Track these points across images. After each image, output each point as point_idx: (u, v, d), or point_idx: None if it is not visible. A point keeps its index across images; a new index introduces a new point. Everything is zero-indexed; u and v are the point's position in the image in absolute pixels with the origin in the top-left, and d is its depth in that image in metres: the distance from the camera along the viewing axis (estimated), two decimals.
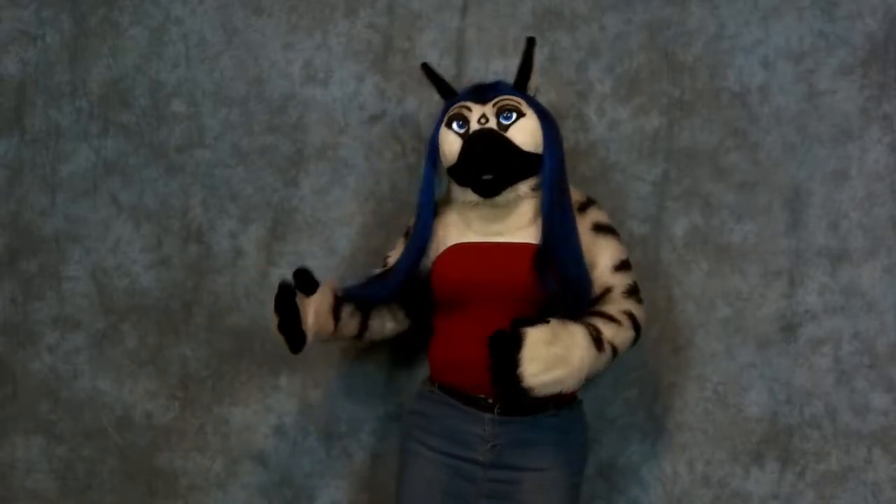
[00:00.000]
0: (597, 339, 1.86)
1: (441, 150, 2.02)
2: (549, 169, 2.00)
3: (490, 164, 1.95)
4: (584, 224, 2.02)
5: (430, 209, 2.06)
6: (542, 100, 2.33)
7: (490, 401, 1.96)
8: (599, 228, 2.04)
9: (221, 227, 2.44)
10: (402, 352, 2.36)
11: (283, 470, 2.42)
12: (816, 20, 2.30)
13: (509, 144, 1.96)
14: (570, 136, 2.34)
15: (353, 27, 2.41)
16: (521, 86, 2.06)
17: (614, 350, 1.91)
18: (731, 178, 2.31)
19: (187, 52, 2.45)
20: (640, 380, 2.33)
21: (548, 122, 2.02)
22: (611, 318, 1.94)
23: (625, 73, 2.34)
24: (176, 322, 2.45)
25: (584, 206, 2.06)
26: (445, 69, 2.35)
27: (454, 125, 2.00)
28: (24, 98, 2.50)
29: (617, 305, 1.98)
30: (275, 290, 1.95)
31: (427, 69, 2.13)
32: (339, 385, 2.40)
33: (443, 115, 2.04)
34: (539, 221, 1.98)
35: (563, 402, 2.00)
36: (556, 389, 1.80)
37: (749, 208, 2.31)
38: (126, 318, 2.47)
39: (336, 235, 2.40)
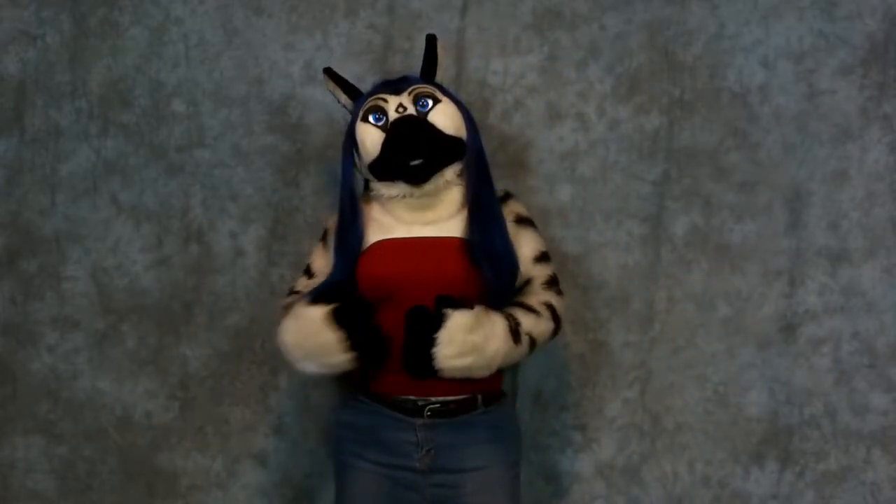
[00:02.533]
0: (515, 332, 1.89)
1: (361, 145, 1.97)
2: (473, 152, 1.98)
3: (417, 149, 1.91)
4: (507, 215, 2.02)
5: (357, 207, 2.01)
6: (541, 100, 2.35)
7: (420, 403, 1.93)
8: (521, 220, 2.04)
9: (222, 227, 2.44)
10: None
11: (283, 470, 2.42)
12: (816, 20, 2.30)
13: (432, 128, 1.93)
14: (569, 135, 2.35)
15: (354, 27, 2.41)
16: (430, 78, 2.05)
17: (532, 342, 1.92)
18: (731, 178, 2.31)
19: (187, 52, 2.45)
20: (640, 380, 2.33)
21: (463, 108, 2.01)
22: (531, 310, 1.94)
23: (625, 72, 2.34)
24: (176, 322, 2.45)
25: (505, 199, 2.06)
26: (445, 69, 2.35)
27: (371, 118, 1.96)
28: (23, 98, 2.50)
29: (537, 297, 1.98)
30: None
31: (330, 72, 2.12)
32: (339, 385, 2.39)
33: (357, 111, 2.00)
34: (465, 212, 1.97)
35: (491, 399, 1.98)
36: (463, 375, 1.85)
37: (749, 208, 2.31)
38: (126, 318, 2.47)
39: None
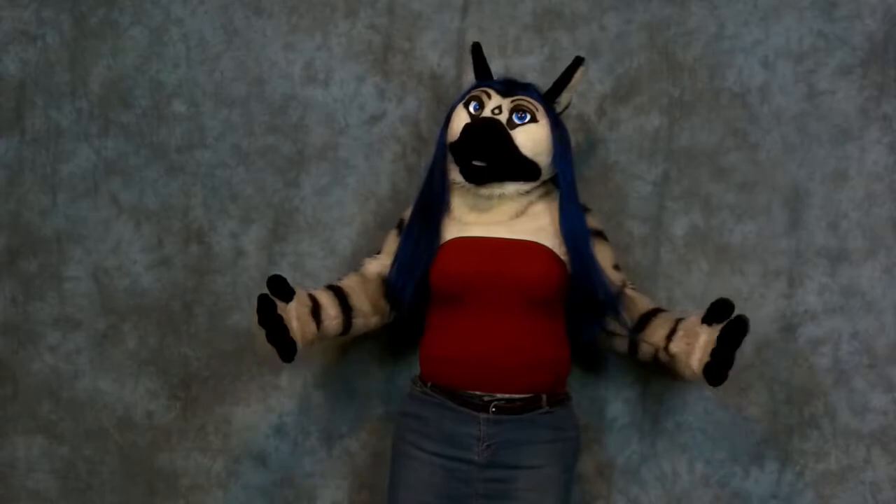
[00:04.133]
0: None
1: (451, 124, 2.05)
2: (564, 182, 2.04)
3: (483, 152, 1.98)
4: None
5: (444, 192, 2.07)
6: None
7: (486, 398, 1.97)
8: (597, 234, 2.11)
9: (222, 227, 2.44)
10: (403, 351, 2.36)
11: (284, 470, 2.43)
12: (816, 20, 2.30)
13: (508, 141, 1.98)
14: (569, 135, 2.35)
15: (354, 28, 2.41)
16: (551, 97, 2.09)
17: None
18: (731, 178, 2.31)
19: (187, 53, 2.45)
20: (640, 380, 2.33)
21: (560, 136, 2.05)
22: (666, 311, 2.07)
23: (625, 73, 2.34)
24: (177, 322, 2.45)
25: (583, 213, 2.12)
26: (445, 69, 2.35)
27: (470, 106, 2.04)
28: (24, 98, 2.50)
29: (645, 300, 2.09)
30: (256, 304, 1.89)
31: (477, 49, 2.16)
32: (340, 385, 2.40)
33: (465, 93, 2.08)
34: (524, 221, 2.03)
35: (555, 400, 2.01)
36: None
37: (749, 208, 2.31)
38: (127, 319, 2.47)
39: (337, 236, 2.40)
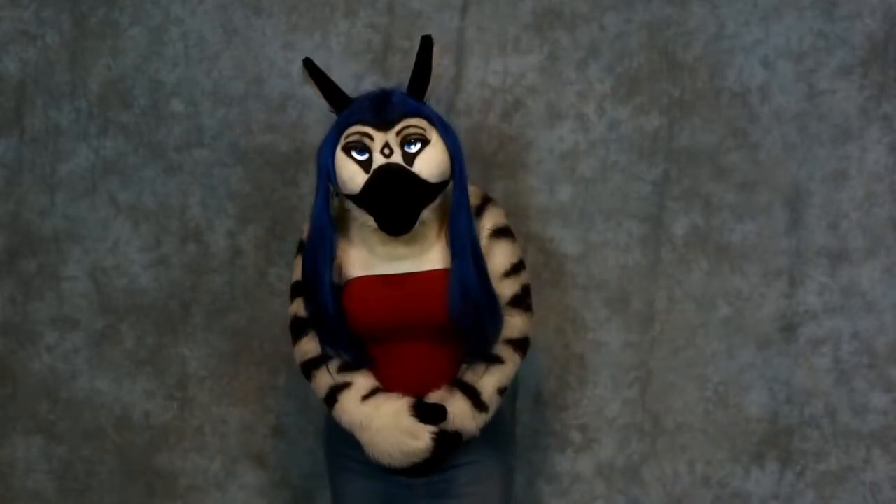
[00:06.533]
0: (479, 404, 1.90)
1: (339, 176, 1.87)
2: (457, 198, 1.91)
3: (403, 209, 1.85)
4: (483, 230, 1.96)
5: (331, 242, 1.92)
6: (541, 100, 2.34)
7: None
8: (495, 233, 1.97)
9: (220, 226, 2.43)
10: None
11: (282, 470, 2.42)
12: (816, 20, 2.30)
13: (418, 181, 1.85)
14: (569, 136, 2.34)
15: (353, 27, 2.40)
16: (419, 94, 1.92)
17: (502, 391, 1.94)
18: (731, 178, 2.31)
19: (187, 52, 2.45)
20: (640, 380, 2.33)
21: (450, 139, 1.91)
22: (496, 360, 1.94)
23: (625, 73, 2.34)
24: (174, 322, 2.45)
25: (481, 209, 1.97)
26: (445, 69, 2.35)
27: (353, 153, 1.86)
28: (23, 98, 2.49)
29: (503, 331, 1.95)
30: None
31: (310, 66, 1.95)
32: None
33: (337, 134, 1.89)
34: (441, 243, 1.93)
35: None
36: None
37: (749, 208, 2.30)
38: (125, 318, 2.46)
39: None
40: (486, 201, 2.00)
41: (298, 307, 1.99)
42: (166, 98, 2.45)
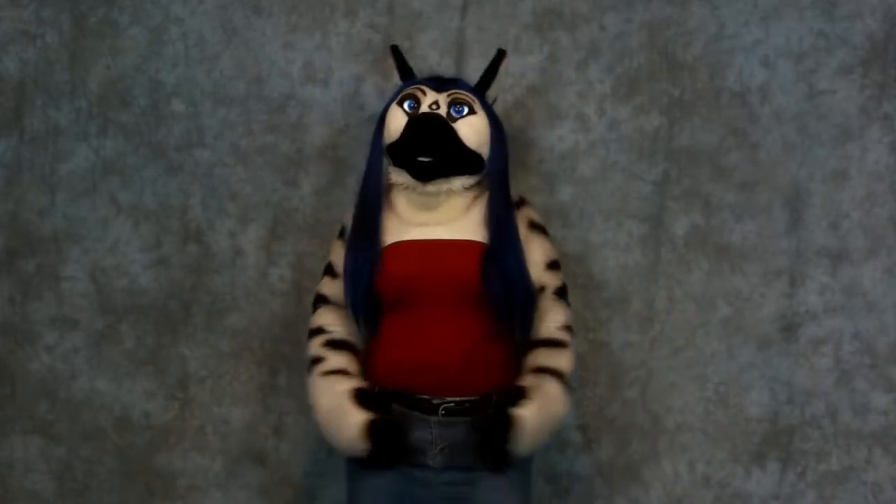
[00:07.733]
0: (567, 384, 1.97)
1: (387, 126, 2.02)
2: (495, 171, 2.03)
3: (430, 147, 1.96)
4: (521, 221, 2.05)
5: (381, 193, 2.04)
6: (541, 100, 2.35)
7: (435, 401, 1.95)
8: (534, 226, 2.08)
9: (220, 226, 2.43)
10: None
11: (282, 470, 2.42)
12: (816, 20, 2.30)
13: (453, 134, 1.97)
14: (569, 136, 2.35)
15: (353, 27, 2.40)
16: (481, 89, 2.08)
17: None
18: (731, 178, 2.31)
19: (187, 52, 2.44)
20: (640, 380, 2.33)
21: (496, 127, 2.04)
22: (560, 345, 2.00)
23: (625, 73, 2.34)
24: (175, 322, 2.45)
25: (520, 205, 2.09)
26: (446, 69, 2.35)
27: (405, 104, 2.01)
28: (23, 98, 2.49)
29: (553, 316, 2.01)
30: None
31: (396, 51, 2.15)
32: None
33: (397, 93, 2.05)
34: (470, 217, 2.00)
35: (506, 399, 1.97)
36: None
37: (749, 208, 2.31)
38: (125, 318, 2.46)
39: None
40: (522, 201, 2.11)
41: (323, 285, 2.09)
42: (166, 98, 2.44)
